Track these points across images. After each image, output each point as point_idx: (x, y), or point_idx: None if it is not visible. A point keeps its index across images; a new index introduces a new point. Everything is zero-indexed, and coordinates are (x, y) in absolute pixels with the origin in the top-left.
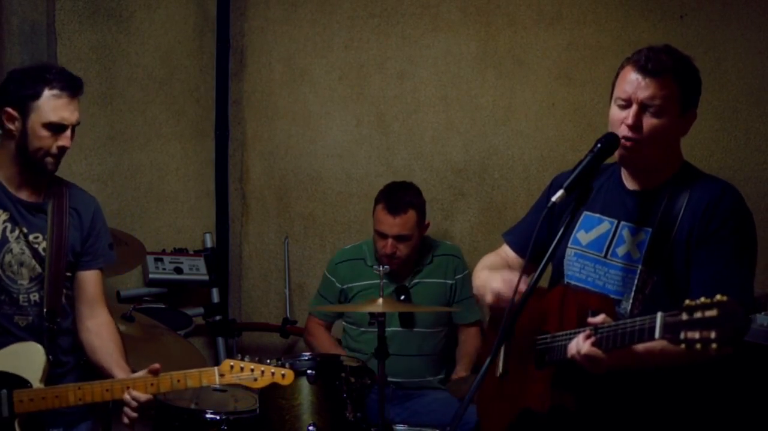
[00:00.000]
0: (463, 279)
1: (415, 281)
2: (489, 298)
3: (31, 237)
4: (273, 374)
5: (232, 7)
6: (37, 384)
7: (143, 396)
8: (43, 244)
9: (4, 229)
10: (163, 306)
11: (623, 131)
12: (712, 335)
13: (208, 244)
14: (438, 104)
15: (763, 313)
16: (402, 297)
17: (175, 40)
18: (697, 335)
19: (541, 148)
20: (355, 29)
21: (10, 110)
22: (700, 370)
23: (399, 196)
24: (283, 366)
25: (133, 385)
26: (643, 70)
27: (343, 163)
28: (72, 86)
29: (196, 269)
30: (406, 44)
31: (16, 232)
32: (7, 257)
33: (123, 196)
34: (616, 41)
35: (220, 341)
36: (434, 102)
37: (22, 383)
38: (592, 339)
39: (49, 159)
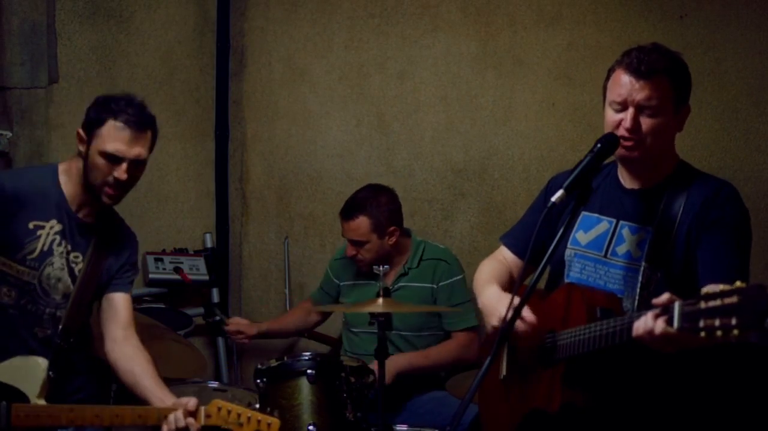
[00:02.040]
0: (452, 285)
1: (400, 284)
2: (494, 323)
3: (71, 256)
4: (259, 421)
5: (232, 7)
6: (34, 399)
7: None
8: (80, 265)
9: (53, 241)
10: (163, 306)
11: (621, 134)
12: (733, 321)
13: (208, 244)
14: (438, 104)
15: None
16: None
17: (175, 40)
18: (717, 322)
19: (541, 148)
20: (355, 29)
21: (80, 131)
22: (712, 367)
23: (352, 201)
24: (271, 414)
25: (121, 413)
26: (636, 72)
27: (343, 163)
28: (137, 122)
29: (196, 269)
30: (406, 44)
31: (62, 247)
32: (47, 270)
33: None
34: (616, 41)
35: (220, 341)
36: (434, 102)
37: (21, 397)
38: (665, 316)
39: (107, 190)
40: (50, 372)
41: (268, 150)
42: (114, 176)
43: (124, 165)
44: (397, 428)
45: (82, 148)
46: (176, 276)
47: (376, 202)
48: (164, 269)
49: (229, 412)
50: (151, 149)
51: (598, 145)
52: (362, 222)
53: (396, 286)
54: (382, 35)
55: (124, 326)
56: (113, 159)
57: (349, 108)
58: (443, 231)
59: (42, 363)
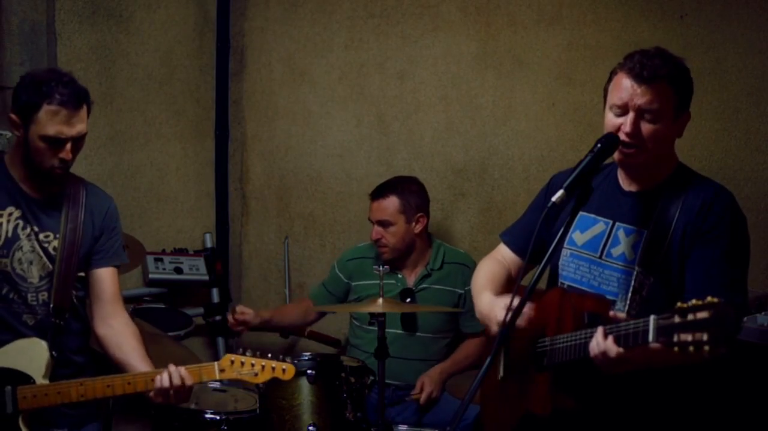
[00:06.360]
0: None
1: (423, 285)
2: (495, 329)
3: (41, 236)
4: (273, 368)
5: (232, 7)
6: (40, 380)
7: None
8: (54, 243)
9: (16, 226)
10: (163, 306)
11: (622, 140)
12: (704, 337)
13: (208, 244)
14: (438, 104)
15: (763, 313)
16: (408, 300)
17: (175, 40)
18: (689, 337)
19: (541, 148)
20: (355, 29)
21: (14, 116)
22: (700, 371)
23: (385, 183)
24: (283, 360)
25: (133, 381)
26: (638, 77)
27: (343, 163)
28: (72, 100)
29: (196, 269)
30: (406, 44)
31: (28, 230)
32: (18, 254)
33: (123, 196)
34: (616, 41)
35: (220, 341)
36: (434, 102)
37: (25, 379)
38: (612, 336)
39: (54, 171)
40: (52, 352)
41: (268, 150)
42: (60, 157)
43: (68, 145)
44: (398, 428)
45: (18, 133)
46: (176, 276)
47: (407, 187)
48: (164, 269)
49: (242, 364)
50: (88, 119)
51: (598, 145)
52: (392, 202)
53: (419, 287)
54: (382, 35)
55: (110, 301)
56: (56, 142)
57: (349, 108)
58: (443, 231)
59: (44, 343)
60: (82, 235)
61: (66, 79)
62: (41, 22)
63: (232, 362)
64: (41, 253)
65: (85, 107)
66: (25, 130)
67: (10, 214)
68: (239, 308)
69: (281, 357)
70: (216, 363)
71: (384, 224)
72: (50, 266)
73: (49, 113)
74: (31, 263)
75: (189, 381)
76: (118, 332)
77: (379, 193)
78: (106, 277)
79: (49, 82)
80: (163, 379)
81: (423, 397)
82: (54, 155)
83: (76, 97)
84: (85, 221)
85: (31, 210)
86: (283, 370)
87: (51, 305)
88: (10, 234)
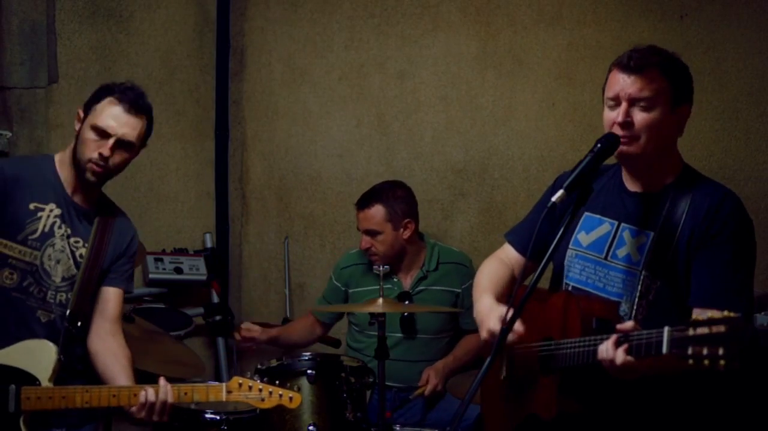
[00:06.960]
0: (470, 287)
1: (420, 287)
2: (483, 335)
3: (72, 240)
4: (281, 396)
5: (232, 7)
6: (45, 382)
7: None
8: (81, 250)
9: (54, 224)
10: (163, 306)
11: (615, 131)
12: (720, 351)
13: (208, 244)
14: (438, 104)
15: (763, 313)
16: (406, 303)
17: (175, 40)
18: (705, 350)
19: (541, 148)
20: (355, 29)
21: (80, 110)
22: (705, 375)
23: (369, 191)
24: (291, 388)
25: (138, 393)
26: (626, 68)
27: (343, 163)
28: (132, 102)
29: (196, 269)
30: (406, 44)
31: (63, 229)
32: (49, 251)
33: (123, 196)
34: (616, 41)
35: (220, 341)
36: (434, 102)
37: (31, 380)
38: (625, 345)
39: (91, 166)
40: (60, 356)
41: (268, 150)
42: (99, 152)
43: (111, 141)
44: (397, 428)
45: (77, 126)
46: (176, 276)
47: (392, 193)
48: (164, 269)
49: (250, 387)
50: (142, 139)
51: (598, 145)
52: (377, 211)
53: (416, 289)
54: (382, 35)
55: (111, 320)
56: (102, 134)
57: (349, 108)
58: (443, 231)
59: (54, 346)
60: (107, 251)
61: (139, 89)
62: (41, 22)
63: (240, 385)
64: (69, 255)
65: (142, 119)
66: (82, 122)
67: (51, 210)
68: (245, 325)
69: (288, 384)
70: (224, 384)
71: (371, 233)
72: (74, 270)
73: (106, 105)
74: (58, 261)
75: (171, 399)
76: (113, 352)
77: (364, 202)
78: (113, 296)
79: (122, 84)
80: (149, 394)
81: (428, 389)
82: (96, 147)
83: (136, 102)
84: (111, 240)
85: (69, 212)
86: (290, 398)
87: (68, 311)
88: (47, 229)
